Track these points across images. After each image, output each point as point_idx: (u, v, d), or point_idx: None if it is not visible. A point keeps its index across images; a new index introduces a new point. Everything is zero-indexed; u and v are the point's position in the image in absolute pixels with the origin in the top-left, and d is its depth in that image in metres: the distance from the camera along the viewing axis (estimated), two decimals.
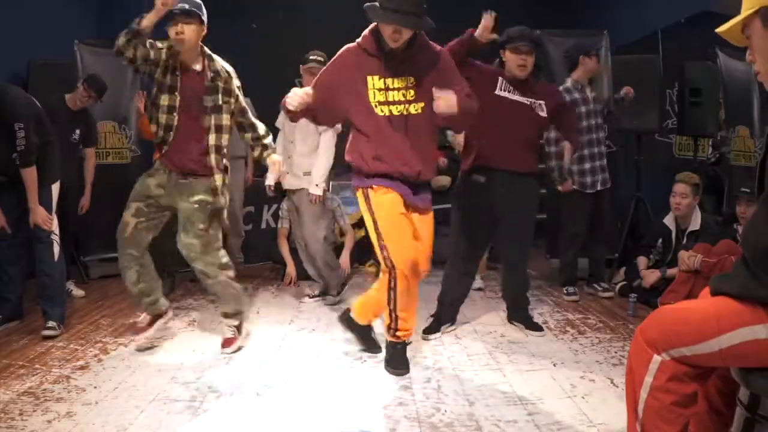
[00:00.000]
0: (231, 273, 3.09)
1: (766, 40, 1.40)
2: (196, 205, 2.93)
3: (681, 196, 3.88)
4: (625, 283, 4.23)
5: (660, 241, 4.09)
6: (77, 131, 4.13)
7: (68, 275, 3.90)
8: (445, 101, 2.49)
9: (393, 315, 2.70)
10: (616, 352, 3.06)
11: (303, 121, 3.89)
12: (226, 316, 3.16)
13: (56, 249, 3.33)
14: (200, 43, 2.93)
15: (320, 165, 3.85)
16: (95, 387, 2.60)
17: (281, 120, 4.04)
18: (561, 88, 3.94)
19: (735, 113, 4.81)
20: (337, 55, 2.69)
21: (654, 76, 4.71)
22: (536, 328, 3.41)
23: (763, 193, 1.44)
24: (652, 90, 4.65)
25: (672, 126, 5.12)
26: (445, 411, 2.39)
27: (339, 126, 3.90)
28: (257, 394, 2.55)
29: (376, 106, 2.61)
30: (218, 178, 2.99)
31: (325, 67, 2.72)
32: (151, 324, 3.13)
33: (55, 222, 3.32)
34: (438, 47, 2.73)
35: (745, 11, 1.42)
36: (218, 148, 2.99)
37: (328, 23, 6.07)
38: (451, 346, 3.18)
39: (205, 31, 2.93)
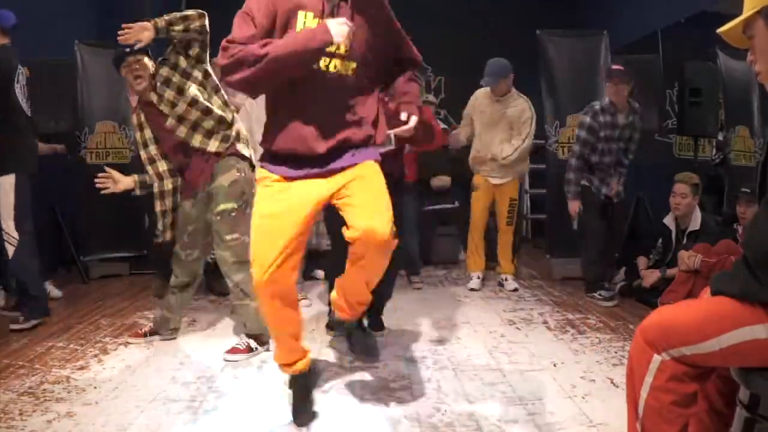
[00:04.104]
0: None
1: None
2: (218, 218, 2.92)
3: (681, 196, 3.88)
4: (625, 283, 4.24)
5: (660, 241, 4.09)
6: None
7: (47, 276, 3.99)
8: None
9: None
10: (616, 352, 3.06)
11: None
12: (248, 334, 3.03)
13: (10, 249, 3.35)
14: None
15: None
16: (95, 387, 2.60)
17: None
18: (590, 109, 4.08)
19: (735, 113, 4.81)
20: None
21: (654, 76, 4.71)
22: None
23: (766, 195, 1.44)
24: (652, 90, 4.65)
25: (672, 126, 5.12)
26: (445, 411, 2.39)
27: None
28: (257, 393, 2.55)
29: None
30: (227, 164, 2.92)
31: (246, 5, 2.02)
32: (150, 334, 3.21)
33: (12, 222, 3.32)
34: None
35: (747, 11, 1.41)
36: (195, 126, 2.88)
37: None
38: (451, 346, 3.18)
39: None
